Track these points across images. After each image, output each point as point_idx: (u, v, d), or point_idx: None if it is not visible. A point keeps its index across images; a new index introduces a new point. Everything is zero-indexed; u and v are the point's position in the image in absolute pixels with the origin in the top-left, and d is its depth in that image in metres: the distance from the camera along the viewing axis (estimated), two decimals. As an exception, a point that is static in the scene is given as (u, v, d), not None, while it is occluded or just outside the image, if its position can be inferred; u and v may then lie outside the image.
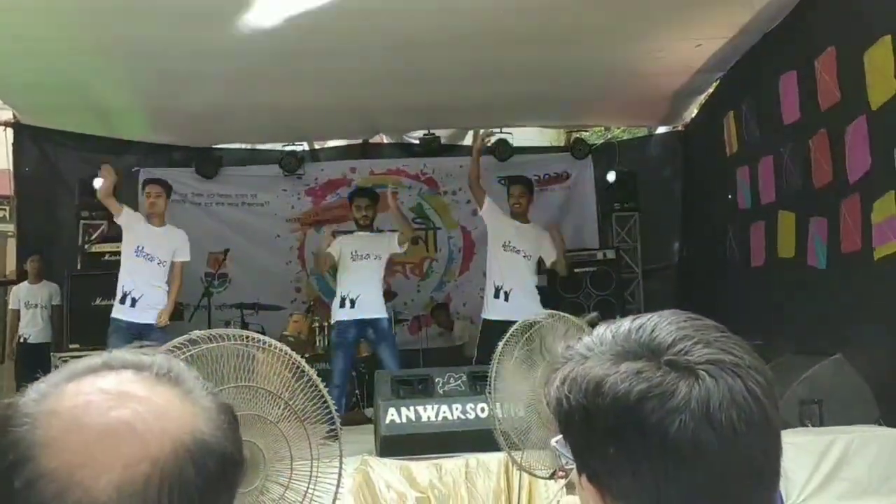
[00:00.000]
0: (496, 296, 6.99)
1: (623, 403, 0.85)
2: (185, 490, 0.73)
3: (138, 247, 6.64)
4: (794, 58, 6.70)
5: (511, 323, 4.28)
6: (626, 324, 0.94)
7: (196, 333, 2.60)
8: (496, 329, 6.13)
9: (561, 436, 0.95)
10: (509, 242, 7.04)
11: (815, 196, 6.49)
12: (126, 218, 6.83)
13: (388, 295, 9.37)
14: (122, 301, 6.63)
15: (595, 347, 0.92)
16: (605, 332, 0.94)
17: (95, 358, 0.79)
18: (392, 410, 5.39)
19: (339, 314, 6.94)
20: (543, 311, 4.91)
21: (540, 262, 7.25)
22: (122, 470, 0.70)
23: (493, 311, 6.92)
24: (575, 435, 0.92)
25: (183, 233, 7.01)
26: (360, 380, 8.10)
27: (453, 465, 5.07)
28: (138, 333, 6.39)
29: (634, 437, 0.85)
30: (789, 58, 6.81)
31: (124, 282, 6.67)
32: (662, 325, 0.91)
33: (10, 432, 0.72)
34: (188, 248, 6.91)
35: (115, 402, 0.74)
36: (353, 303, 6.85)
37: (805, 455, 4.87)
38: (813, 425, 5.41)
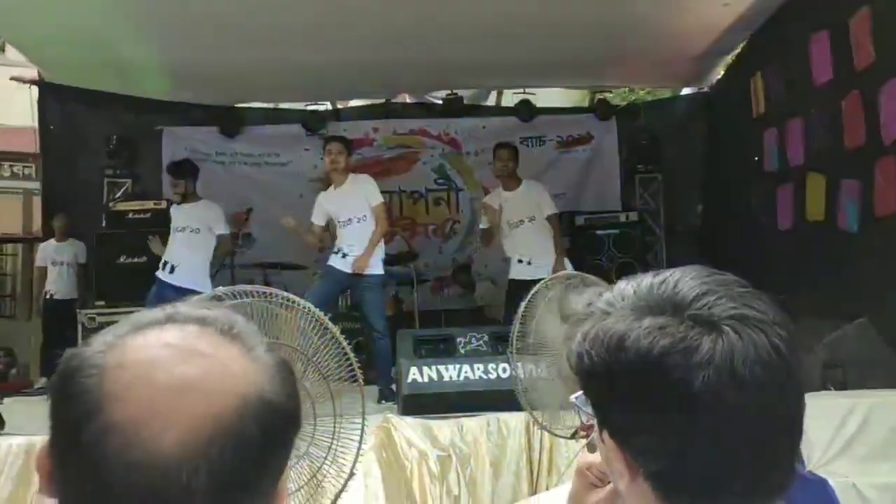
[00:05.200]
0: (519, 261, 7.09)
1: (646, 359, 0.84)
2: (247, 447, 0.73)
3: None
4: (827, 17, 6.58)
5: (534, 281, 4.28)
6: (647, 279, 0.92)
7: (220, 290, 2.62)
8: (520, 287, 6.19)
9: (581, 392, 0.95)
10: (512, 219, 7.11)
11: (847, 158, 6.39)
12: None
13: (410, 255, 9.40)
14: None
15: (617, 303, 0.91)
16: (627, 287, 0.93)
17: (160, 311, 0.80)
18: (414, 370, 5.42)
19: (159, 274, 7.25)
20: (567, 271, 4.89)
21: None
22: (186, 426, 0.71)
23: (517, 272, 6.98)
24: (596, 391, 0.91)
25: (364, 177, 6.96)
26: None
27: (475, 424, 5.10)
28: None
29: (657, 392, 0.84)
30: (821, 17, 6.69)
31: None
32: (685, 279, 0.90)
33: (78, 383, 0.73)
34: (376, 189, 6.78)
35: (181, 359, 0.74)
36: (172, 269, 7.18)
37: (827, 418, 4.85)
38: (835, 388, 5.39)
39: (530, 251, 7.00)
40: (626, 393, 0.86)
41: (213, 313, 0.80)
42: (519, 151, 7.55)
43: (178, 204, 7.47)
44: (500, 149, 7.39)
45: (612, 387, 0.88)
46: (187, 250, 7.24)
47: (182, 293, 6.72)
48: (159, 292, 7.02)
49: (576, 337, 0.93)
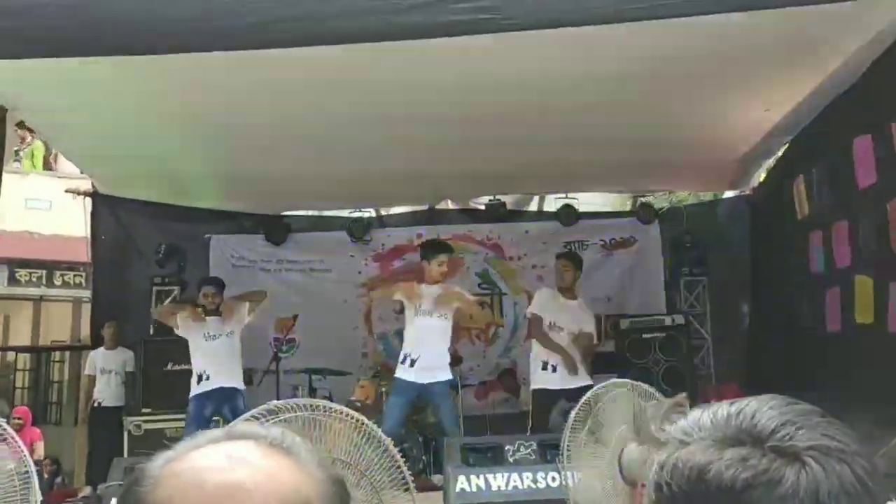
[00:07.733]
0: (544, 368, 7.07)
1: (729, 491, 0.83)
2: None
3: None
4: (868, 121, 6.61)
5: (560, 392, 4.27)
6: (724, 408, 0.92)
7: (274, 404, 2.64)
8: (548, 397, 6.29)
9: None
10: (554, 323, 7.16)
11: (895, 261, 6.33)
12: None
13: (455, 360, 9.36)
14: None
15: (693, 433, 0.91)
16: (703, 416, 0.93)
17: (219, 431, 0.85)
18: (462, 478, 5.36)
19: (195, 389, 7.21)
20: (615, 379, 4.85)
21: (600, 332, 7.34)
22: None
23: (543, 381, 7.01)
24: (675, 522, 0.90)
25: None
26: (427, 446, 8.04)
27: (524, 535, 5.00)
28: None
29: None
30: (863, 121, 6.72)
31: None
32: (763, 409, 0.89)
33: (134, 492, 0.79)
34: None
35: (230, 466, 0.78)
36: (208, 377, 7.19)
37: (891, 531, 4.68)
38: (897, 499, 5.21)
39: (557, 358, 7.00)
40: (708, 525, 0.86)
41: (269, 431, 0.84)
42: (581, 262, 7.71)
43: (211, 317, 7.48)
44: (560, 258, 7.63)
45: (692, 518, 0.87)
46: (221, 356, 7.31)
47: (219, 392, 6.95)
48: (198, 408, 7.10)
49: (652, 465, 0.93)
